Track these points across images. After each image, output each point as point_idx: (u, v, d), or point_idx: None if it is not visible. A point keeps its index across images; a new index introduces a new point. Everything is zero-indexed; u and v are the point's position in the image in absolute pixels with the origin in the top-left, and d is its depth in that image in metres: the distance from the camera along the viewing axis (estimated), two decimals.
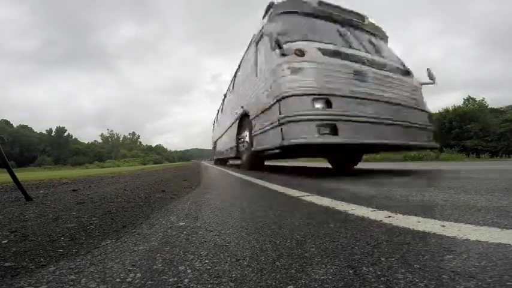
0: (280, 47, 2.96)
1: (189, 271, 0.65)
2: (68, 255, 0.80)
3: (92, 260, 0.75)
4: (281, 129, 2.81)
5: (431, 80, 3.96)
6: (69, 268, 0.70)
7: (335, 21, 3.74)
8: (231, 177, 3.79)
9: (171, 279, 0.61)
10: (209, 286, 0.57)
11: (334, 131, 2.64)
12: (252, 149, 4.12)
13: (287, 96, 2.78)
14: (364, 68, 3.13)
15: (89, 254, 0.80)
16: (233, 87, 6.91)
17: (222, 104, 9.77)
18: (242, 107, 4.95)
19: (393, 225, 0.96)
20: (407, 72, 3.74)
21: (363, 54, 3.36)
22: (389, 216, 1.08)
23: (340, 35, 3.55)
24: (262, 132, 3.55)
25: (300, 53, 2.92)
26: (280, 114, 2.85)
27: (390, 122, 2.99)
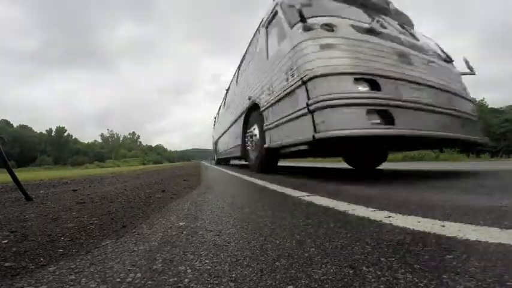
0: (304, 20, 2.45)
1: (189, 271, 0.65)
2: (68, 255, 0.80)
3: (92, 260, 0.75)
4: (312, 117, 2.25)
5: (470, 70, 3.41)
6: (69, 268, 0.70)
7: (360, 4, 3.17)
8: (231, 177, 3.79)
9: (171, 279, 0.61)
10: (209, 286, 0.57)
11: (388, 119, 2.14)
12: (265, 145, 3.44)
13: (318, 76, 2.23)
14: (408, 50, 2.68)
15: (89, 254, 0.80)
16: (237, 81, 6.14)
17: (224, 99, 8.80)
18: (250, 97, 4.24)
19: (393, 225, 0.97)
20: (448, 58, 3.31)
21: (401, 36, 2.87)
22: (389, 216, 1.08)
23: (370, 16, 3.02)
24: (279, 125, 2.96)
25: (329, 27, 2.42)
26: (309, 98, 2.29)
27: (448, 111, 2.57)
